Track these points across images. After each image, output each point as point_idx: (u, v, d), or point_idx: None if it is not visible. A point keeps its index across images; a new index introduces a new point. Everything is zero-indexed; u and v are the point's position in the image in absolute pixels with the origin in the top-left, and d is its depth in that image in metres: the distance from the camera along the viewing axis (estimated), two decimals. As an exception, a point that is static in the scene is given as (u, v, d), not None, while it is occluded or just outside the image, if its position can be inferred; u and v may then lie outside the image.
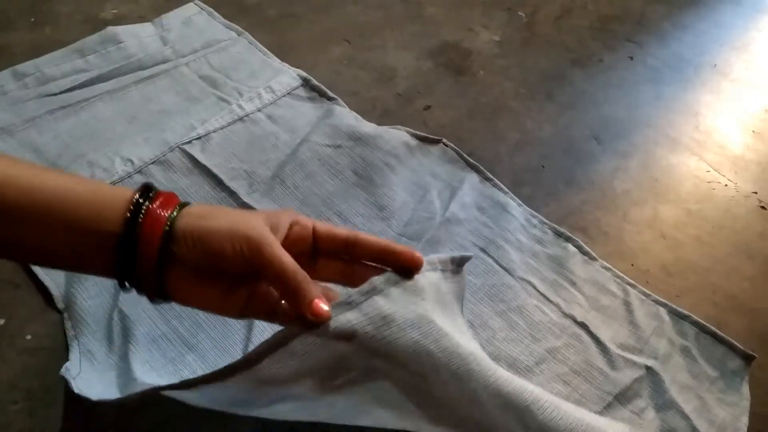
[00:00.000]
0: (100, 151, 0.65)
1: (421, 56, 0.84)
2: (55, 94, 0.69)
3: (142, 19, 0.82)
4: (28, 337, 0.51)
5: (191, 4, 0.84)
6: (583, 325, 0.56)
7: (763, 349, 0.57)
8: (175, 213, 0.32)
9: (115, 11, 0.83)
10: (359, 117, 0.72)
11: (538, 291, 0.58)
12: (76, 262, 0.32)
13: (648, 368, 0.54)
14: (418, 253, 0.36)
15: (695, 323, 0.57)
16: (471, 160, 0.69)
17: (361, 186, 0.64)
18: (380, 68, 0.81)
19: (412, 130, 0.71)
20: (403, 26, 0.88)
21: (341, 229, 0.37)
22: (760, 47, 0.93)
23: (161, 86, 0.73)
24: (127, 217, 0.30)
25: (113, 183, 0.61)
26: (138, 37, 0.77)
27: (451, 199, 0.64)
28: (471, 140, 0.73)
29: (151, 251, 0.31)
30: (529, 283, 0.59)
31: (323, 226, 0.36)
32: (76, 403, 0.45)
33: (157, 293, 0.32)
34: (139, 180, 0.63)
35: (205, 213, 0.32)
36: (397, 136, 0.69)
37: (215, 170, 0.64)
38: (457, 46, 0.86)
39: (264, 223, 0.33)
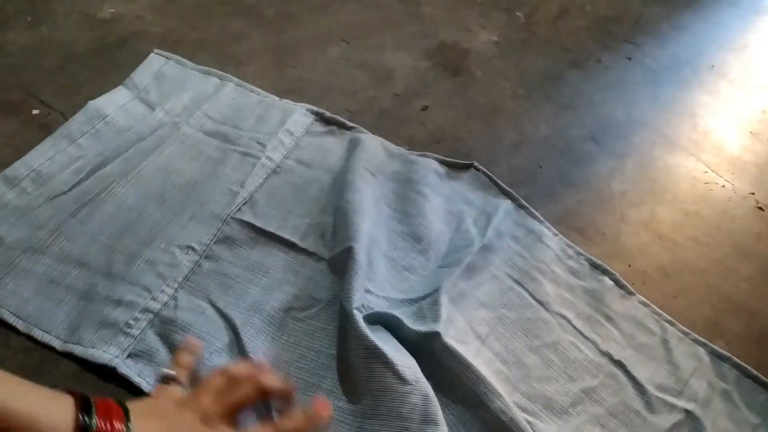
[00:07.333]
0: (152, 246, 0.58)
1: (418, 56, 0.84)
2: (65, 193, 0.61)
3: (139, 18, 0.82)
4: (23, 336, 0.51)
5: (152, 55, 0.77)
6: (620, 364, 0.54)
7: (760, 350, 0.57)
8: None
9: (113, 10, 0.83)
10: (385, 143, 0.70)
11: (574, 326, 0.56)
12: None
13: (687, 412, 0.52)
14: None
15: (736, 365, 0.56)
16: (505, 186, 0.67)
17: (397, 219, 0.62)
18: (378, 68, 0.81)
19: (440, 157, 0.69)
20: (401, 26, 0.88)
21: None
22: (757, 48, 0.93)
23: (172, 154, 0.66)
24: None
25: (185, 277, 0.55)
26: (120, 107, 0.70)
27: (486, 227, 0.62)
28: (468, 141, 0.73)
29: None
30: (565, 318, 0.57)
31: None
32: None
33: None
34: (210, 268, 0.57)
35: None
36: (425, 164, 0.68)
37: (281, 233, 0.60)
38: (454, 46, 0.86)
39: None
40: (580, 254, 0.62)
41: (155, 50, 0.77)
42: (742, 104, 0.83)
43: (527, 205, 0.65)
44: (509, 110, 0.78)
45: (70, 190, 0.61)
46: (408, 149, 0.70)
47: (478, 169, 0.68)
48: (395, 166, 0.68)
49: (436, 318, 0.51)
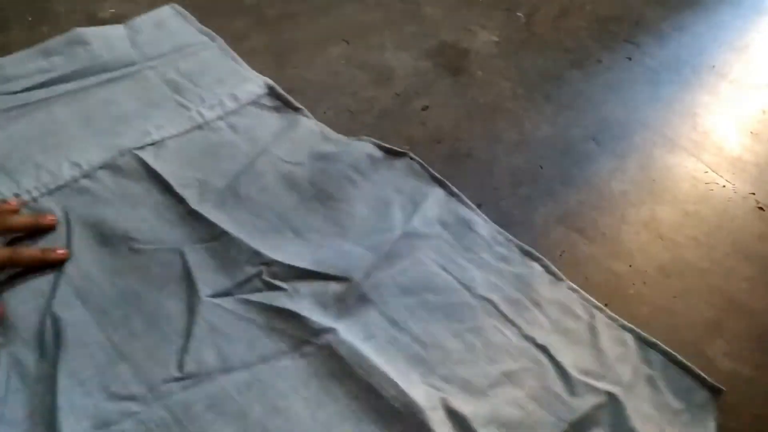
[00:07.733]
0: (50, 154, 0.62)
1: (419, 56, 0.84)
2: (14, 93, 0.67)
3: (140, 18, 0.82)
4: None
5: (167, 6, 0.81)
6: (543, 348, 0.53)
7: (760, 350, 0.57)
8: None
9: (113, 10, 0.83)
10: (325, 129, 0.69)
11: (499, 311, 0.56)
12: None
13: (610, 395, 0.51)
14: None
15: (663, 352, 0.55)
16: (436, 175, 0.66)
17: (320, 200, 0.62)
18: (378, 68, 0.81)
19: (377, 141, 0.68)
20: (402, 26, 0.88)
21: None
22: (758, 48, 0.93)
23: (123, 89, 0.70)
24: None
25: (59, 187, 0.59)
26: (106, 39, 0.74)
27: (413, 213, 0.62)
28: (469, 140, 0.73)
29: None
30: (490, 302, 0.56)
31: None
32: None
33: None
34: (85, 186, 0.60)
35: None
36: (360, 147, 0.67)
37: (167, 177, 0.61)
38: (455, 46, 0.86)
39: None
40: (510, 240, 0.61)
41: (173, 4, 0.81)
42: (742, 104, 0.83)
43: (459, 193, 0.65)
44: (509, 110, 0.78)
45: (20, 92, 0.67)
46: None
47: (412, 159, 0.67)
48: (328, 148, 0.67)
49: (338, 313, 0.53)
